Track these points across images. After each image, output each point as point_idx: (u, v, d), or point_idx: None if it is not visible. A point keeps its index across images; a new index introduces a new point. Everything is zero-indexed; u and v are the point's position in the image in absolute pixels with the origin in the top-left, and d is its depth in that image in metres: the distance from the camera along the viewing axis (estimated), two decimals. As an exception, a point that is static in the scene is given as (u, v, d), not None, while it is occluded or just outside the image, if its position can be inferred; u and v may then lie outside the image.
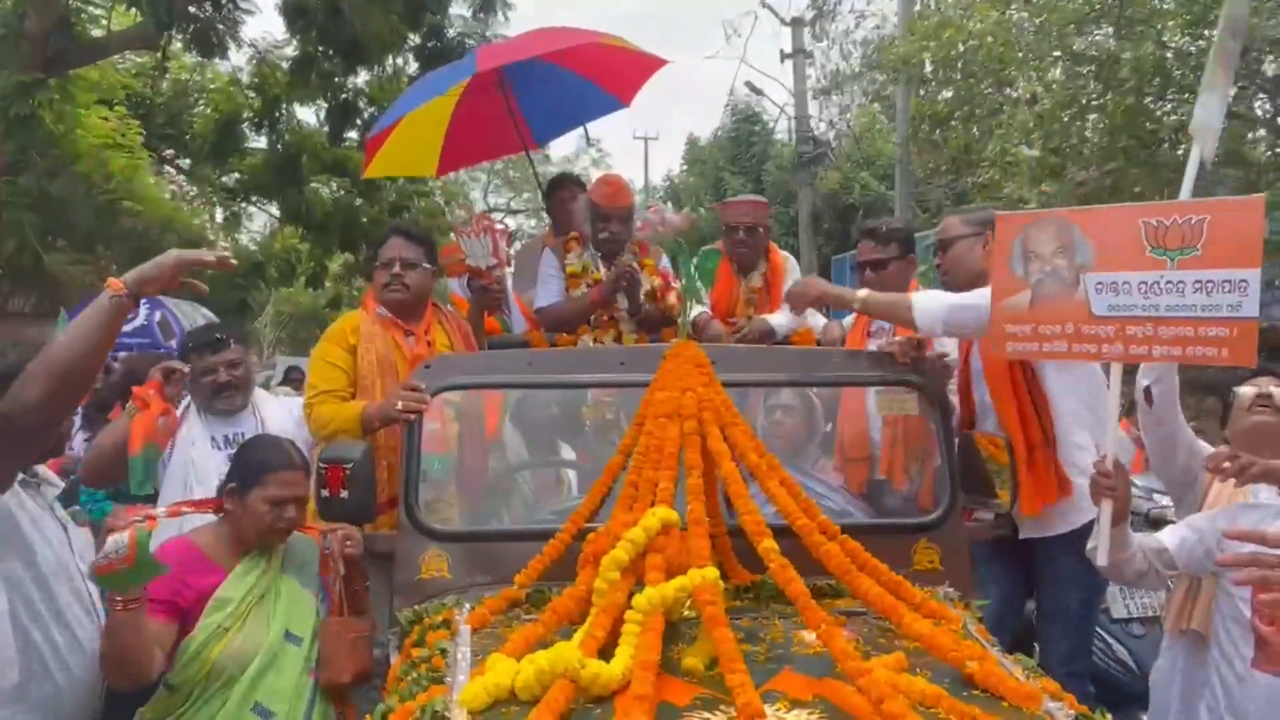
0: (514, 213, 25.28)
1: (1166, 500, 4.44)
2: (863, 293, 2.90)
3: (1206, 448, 2.74)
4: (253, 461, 2.47)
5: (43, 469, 2.44)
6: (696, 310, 3.14)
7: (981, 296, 2.70)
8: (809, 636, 1.91)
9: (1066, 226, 2.21)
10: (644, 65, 4.55)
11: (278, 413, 3.41)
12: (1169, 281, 2.06)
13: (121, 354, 5.88)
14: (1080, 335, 2.18)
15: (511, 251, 3.92)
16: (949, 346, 3.05)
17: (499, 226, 3.67)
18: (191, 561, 2.38)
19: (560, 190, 4.26)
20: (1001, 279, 2.30)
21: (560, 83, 4.44)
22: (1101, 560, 2.24)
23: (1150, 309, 2.09)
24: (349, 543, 2.51)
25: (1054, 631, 3.02)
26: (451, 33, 9.75)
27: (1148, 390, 2.54)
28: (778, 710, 1.59)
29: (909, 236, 3.49)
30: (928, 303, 2.77)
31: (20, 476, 2.24)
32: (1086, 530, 2.72)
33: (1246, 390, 2.60)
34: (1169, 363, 2.37)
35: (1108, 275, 2.14)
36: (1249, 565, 1.60)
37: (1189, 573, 2.47)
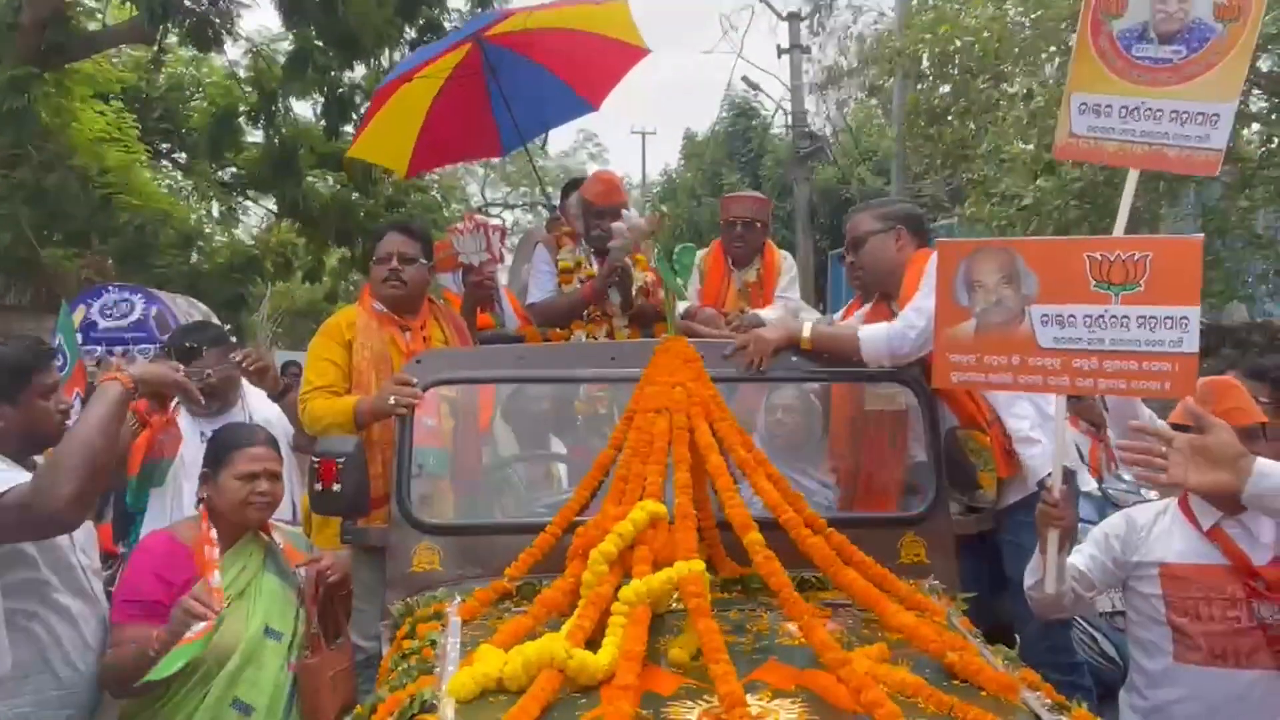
0: (511, 207, 25.25)
1: (1154, 494, 4.47)
2: (807, 332, 2.76)
3: None
4: (219, 445, 2.52)
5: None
6: (682, 306, 3.14)
7: (917, 316, 2.65)
8: (794, 629, 1.94)
9: (1011, 256, 2.21)
10: (624, 57, 4.51)
11: (266, 408, 3.43)
12: (1114, 316, 2.10)
13: (118, 349, 5.90)
14: (1026, 367, 2.19)
15: (506, 247, 3.94)
16: None
17: (493, 223, 3.69)
18: (174, 556, 2.38)
19: (575, 191, 4.24)
20: (945, 307, 2.29)
21: (535, 81, 4.39)
22: (1050, 588, 2.27)
23: (1096, 342, 2.12)
24: (329, 571, 2.49)
25: (1024, 609, 3.01)
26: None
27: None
28: (760, 700, 1.62)
29: None
30: (871, 335, 2.72)
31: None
32: (1035, 497, 2.77)
33: None
34: (1113, 395, 2.39)
35: (1053, 308, 2.15)
36: (1144, 452, 1.89)
37: (1104, 587, 2.49)
